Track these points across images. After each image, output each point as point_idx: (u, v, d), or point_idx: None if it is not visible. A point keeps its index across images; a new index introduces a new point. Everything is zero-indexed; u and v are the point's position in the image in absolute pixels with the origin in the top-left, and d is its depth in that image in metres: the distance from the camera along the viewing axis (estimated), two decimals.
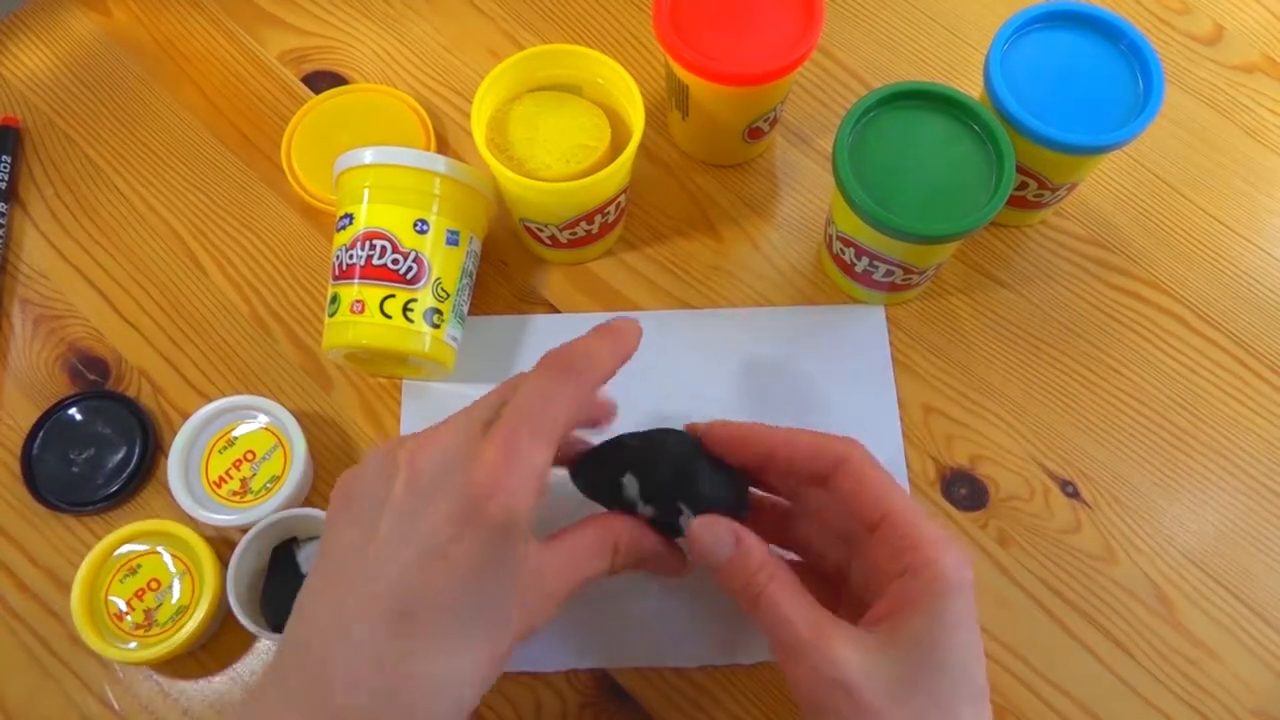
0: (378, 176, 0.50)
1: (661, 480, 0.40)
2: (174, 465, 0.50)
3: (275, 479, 0.51)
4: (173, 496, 0.50)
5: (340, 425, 0.54)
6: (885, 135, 0.50)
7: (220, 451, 0.51)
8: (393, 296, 0.49)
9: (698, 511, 0.40)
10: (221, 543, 0.51)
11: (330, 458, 0.54)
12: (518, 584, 0.36)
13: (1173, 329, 0.57)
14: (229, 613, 0.48)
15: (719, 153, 0.60)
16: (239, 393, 0.53)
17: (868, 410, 0.54)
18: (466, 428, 0.37)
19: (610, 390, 0.53)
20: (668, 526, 0.41)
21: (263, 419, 0.52)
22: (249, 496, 0.50)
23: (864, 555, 0.39)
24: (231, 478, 0.51)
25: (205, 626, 0.48)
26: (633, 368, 0.55)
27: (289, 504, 0.50)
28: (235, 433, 0.52)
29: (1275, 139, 0.62)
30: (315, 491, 0.53)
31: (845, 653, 0.34)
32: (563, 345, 0.39)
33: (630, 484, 0.41)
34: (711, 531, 0.39)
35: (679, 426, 0.43)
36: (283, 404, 0.52)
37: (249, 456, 0.51)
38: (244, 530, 0.49)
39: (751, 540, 0.38)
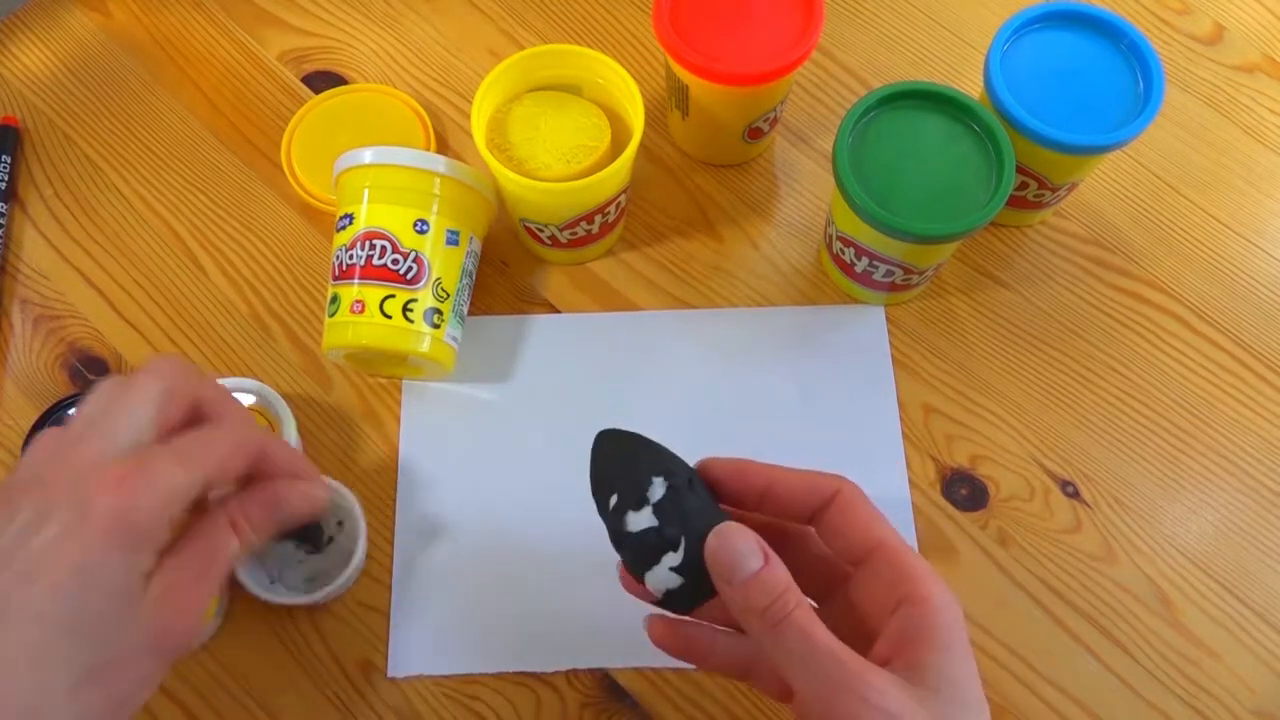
0: (377, 176, 0.50)
1: (627, 469, 0.38)
2: None
3: None
4: None
5: (340, 425, 0.54)
6: (885, 135, 0.50)
7: None
8: (393, 296, 0.49)
9: (668, 478, 0.37)
10: None
11: (330, 458, 0.54)
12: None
13: (1173, 329, 0.57)
14: (229, 610, 0.48)
15: (719, 153, 0.60)
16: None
17: (868, 410, 0.54)
18: (115, 436, 0.37)
19: (610, 391, 0.53)
20: (649, 541, 0.37)
21: (254, 401, 0.52)
22: None
23: (844, 599, 0.38)
24: None
25: (205, 625, 0.48)
26: (632, 369, 0.55)
27: None
28: None
29: (1275, 139, 0.62)
30: None
31: (888, 686, 0.33)
32: (243, 415, 0.41)
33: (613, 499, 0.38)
34: (741, 540, 0.35)
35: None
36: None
37: None
38: None
39: (774, 556, 0.35)
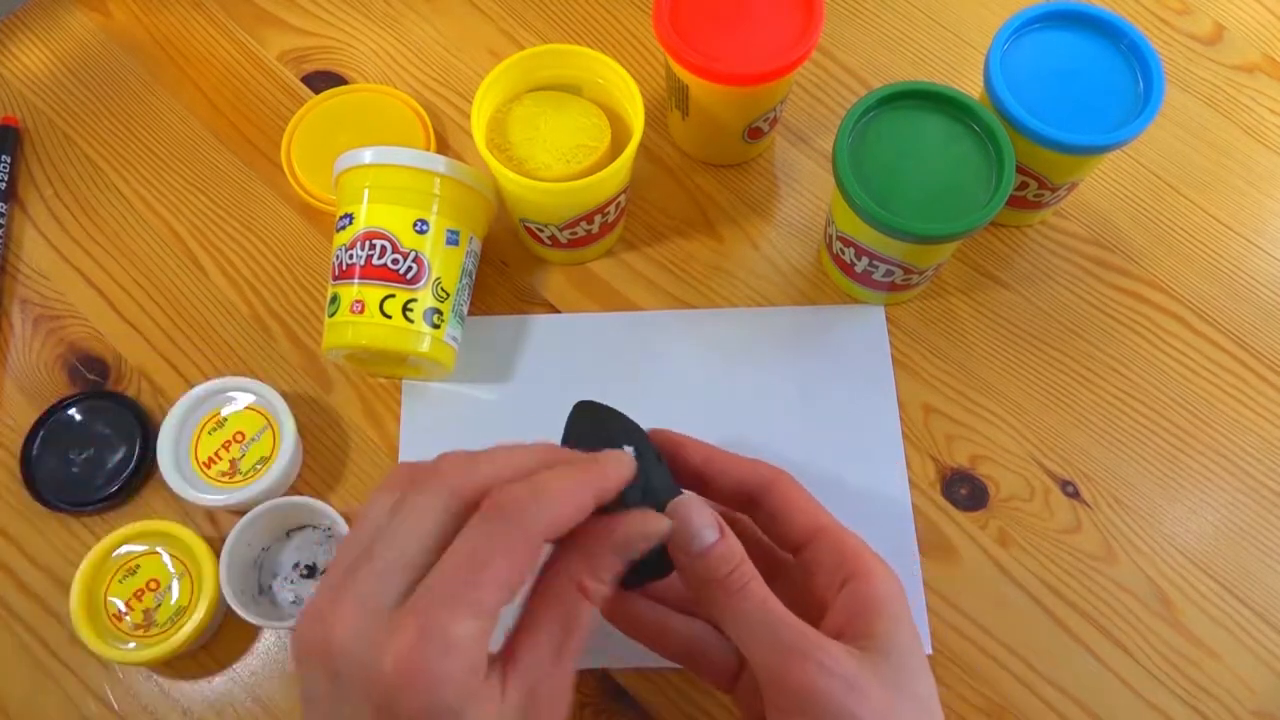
0: (377, 176, 0.50)
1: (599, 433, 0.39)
2: (164, 446, 0.50)
3: (264, 460, 0.51)
4: (162, 476, 0.50)
5: (340, 425, 0.54)
6: (885, 135, 0.50)
7: (210, 433, 0.51)
8: (393, 296, 0.49)
9: (639, 448, 0.38)
10: (221, 543, 0.51)
11: (330, 458, 0.54)
12: None
13: (1173, 329, 0.57)
14: (228, 613, 0.48)
15: (719, 153, 0.60)
16: None
17: (868, 410, 0.54)
18: (379, 594, 0.30)
19: (610, 391, 0.53)
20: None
21: (252, 400, 0.52)
22: (238, 477, 0.51)
23: (785, 583, 0.39)
24: (221, 459, 0.51)
25: (204, 627, 0.48)
26: (632, 369, 0.55)
27: (278, 485, 0.50)
28: (225, 412, 0.52)
29: (1275, 139, 0.62)
30: (302, 479, 0.53)
31: (842, 654, 0.34)
32: (515, 484, 0.32)
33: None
34: (699, 513, 0.36)
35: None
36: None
37: (238, 438, 0.51)
38: (236, 514, 0.49)
39: (729, 530, 0.37)
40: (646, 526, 0.35)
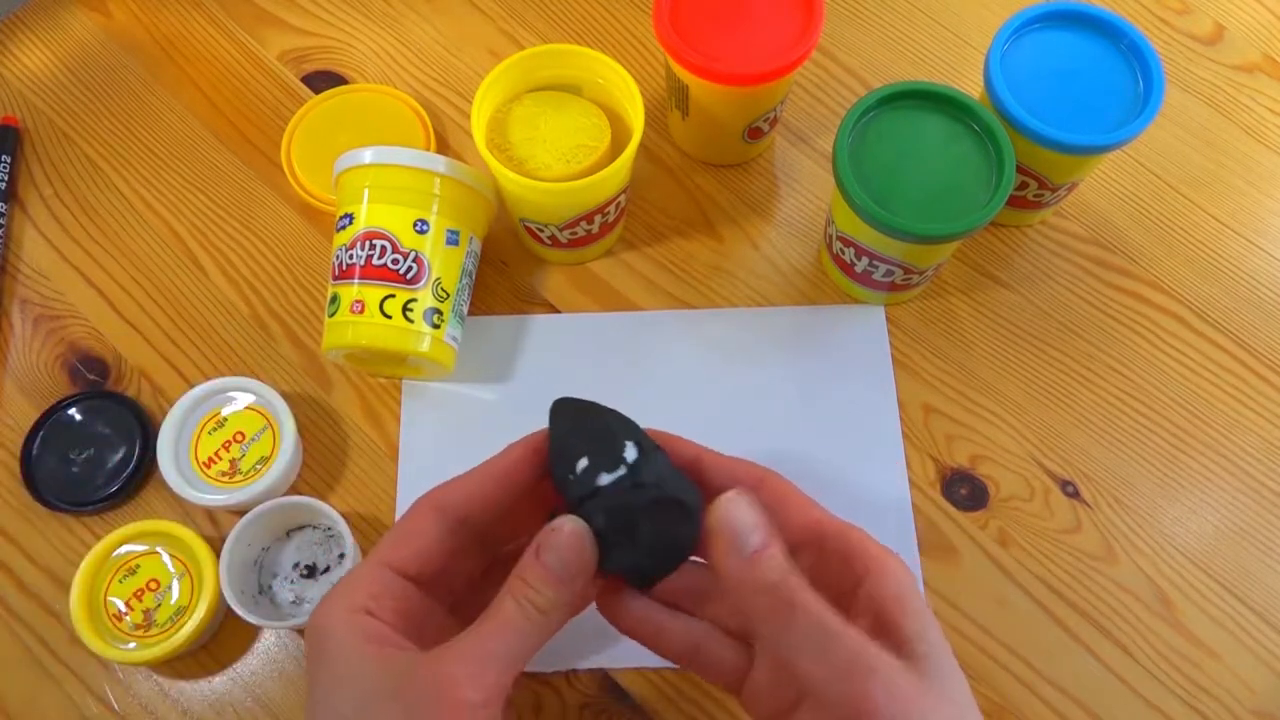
0: (377, 176, 0.50)
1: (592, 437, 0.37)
2: (164, 446, 0.50)
3: (264, 460, 0.51)
4: (162, 476, 0.50)
5: (340, 425, 0.54)
6: (885, 135, 0.50)
7: (210, 433, 0.51)
8: (393, 296, 0.49)
9: (639, 443, 0.37)
10: (221, 543, 0.51)
11: (330, 458, 0.54)
12: None
13: (1173, 329, 0.57)
14: (228, 613, 0.48)
15: (719, 153, 0.60)
16: None
17: (868, 410, 0.54)
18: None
19: (610, 391, 0.53)
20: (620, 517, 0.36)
21: (252, 400, 0.52)
22: (238, 477, 0.51)
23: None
24: (221, 458, 0.51)
25: (204, 627, 0.48)
26: (632, 369, 0.55)
27: (278, 485, 0.50)
28: (225, 412, 0.52)
29: (1275, 139, 0.62)
30: (302, 479, 0.53)
31: (899, 669, 0.33)
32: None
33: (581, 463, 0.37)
34: (744, 511, 0.34)
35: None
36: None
37: (238, 438, 0.51)
38: (236, 514, 0.49)
39: (776, 532, 0.34)
40: (548, 532, 0.36)
